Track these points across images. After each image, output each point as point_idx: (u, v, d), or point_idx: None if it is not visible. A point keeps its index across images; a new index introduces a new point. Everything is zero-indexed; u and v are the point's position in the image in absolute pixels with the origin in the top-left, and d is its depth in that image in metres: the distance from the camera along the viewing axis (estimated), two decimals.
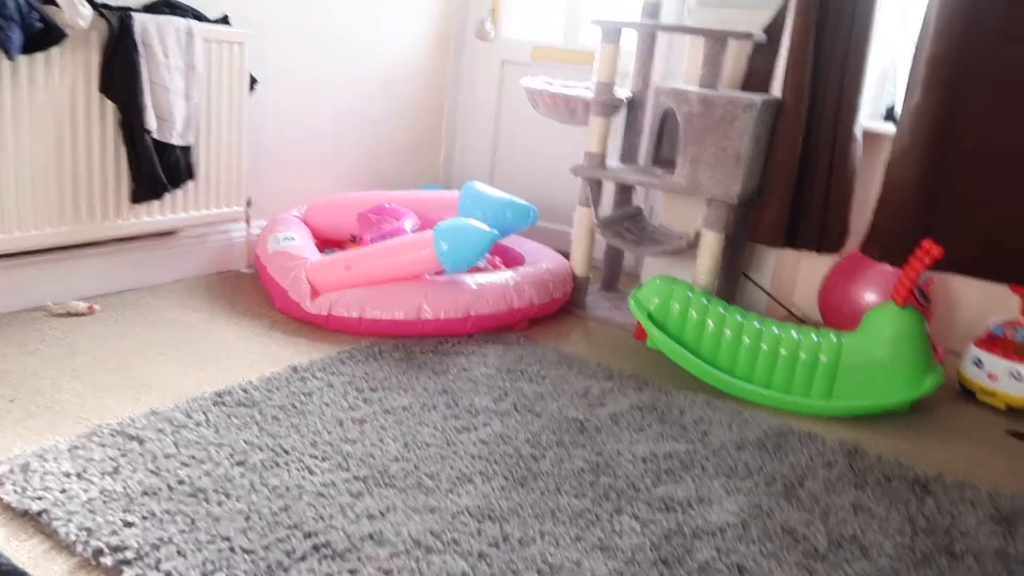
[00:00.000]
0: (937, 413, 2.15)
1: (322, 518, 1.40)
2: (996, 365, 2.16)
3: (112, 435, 1.60)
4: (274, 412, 1.76)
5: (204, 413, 1.73)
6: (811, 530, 1.52)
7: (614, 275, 2.96)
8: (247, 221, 2.72)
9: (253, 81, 2.65)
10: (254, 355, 2.10)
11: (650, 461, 1.70)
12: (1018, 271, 2.30)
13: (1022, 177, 2.25)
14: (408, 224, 2.57)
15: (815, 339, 2.12)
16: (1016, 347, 2.16)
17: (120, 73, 2.22)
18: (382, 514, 1.43)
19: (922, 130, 2.34)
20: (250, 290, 2.59)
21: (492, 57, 3.52)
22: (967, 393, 2.26)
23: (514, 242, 2.84)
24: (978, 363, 2.20)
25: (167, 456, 1.55)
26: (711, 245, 2.41)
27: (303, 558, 1.29)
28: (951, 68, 2.28)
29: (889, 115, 2.78)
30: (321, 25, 2.92)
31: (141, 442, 1.59)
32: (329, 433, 1.70)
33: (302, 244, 2.50)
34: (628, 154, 2.83)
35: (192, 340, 2.15)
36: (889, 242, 2.43)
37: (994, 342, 2.20)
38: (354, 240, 2.73)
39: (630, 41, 2.89)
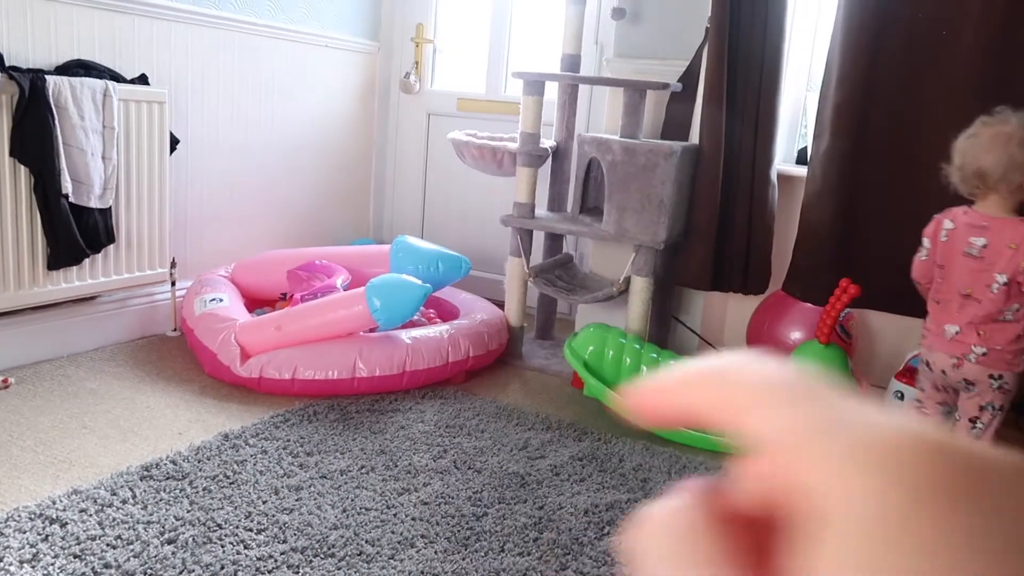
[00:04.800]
0: None
1: None
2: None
3: (31, 518, 1.52)
4: (205, 484, 1.70)
5: (130, 489, 1.66)
6: None
7: (549, 322, 2.98)
8: (172, 283, 2.65)
9: (175, 140, 2.60)
10: (183, 423, 2.03)
11: (592, 513, 1.70)
12: None
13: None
14: (339, 281, 2.54)
15: None
16: None
17: (32, 136, 2.15)
18: None
19: (832, 173, 2.46)
20: (177, 354, 2.51)
21: (418, 110, 3.55)
22: None
23: (448, 294, 2.84)
24: (899, 396, 2.29)
25: (91, 538, 1.48)
26: (641, 291, 2.46)
27: None
28: (855, 113, 2.40)
29: (801, 158, 2.90)
30: (243, 83, 2.90)
31: (63, 524, 1.51)
32: (264, 503, 1.65)
33: (230, 305, 2.44)
34: (555, 202, 2.88)
35: (116, 411, 2.07)
36: (809, 281, 2.52)
37: (913, 375, 2.29)
38: (284, 298, 2.68)
39: (552, 91, 2.95)
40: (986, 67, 2.23)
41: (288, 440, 1.94)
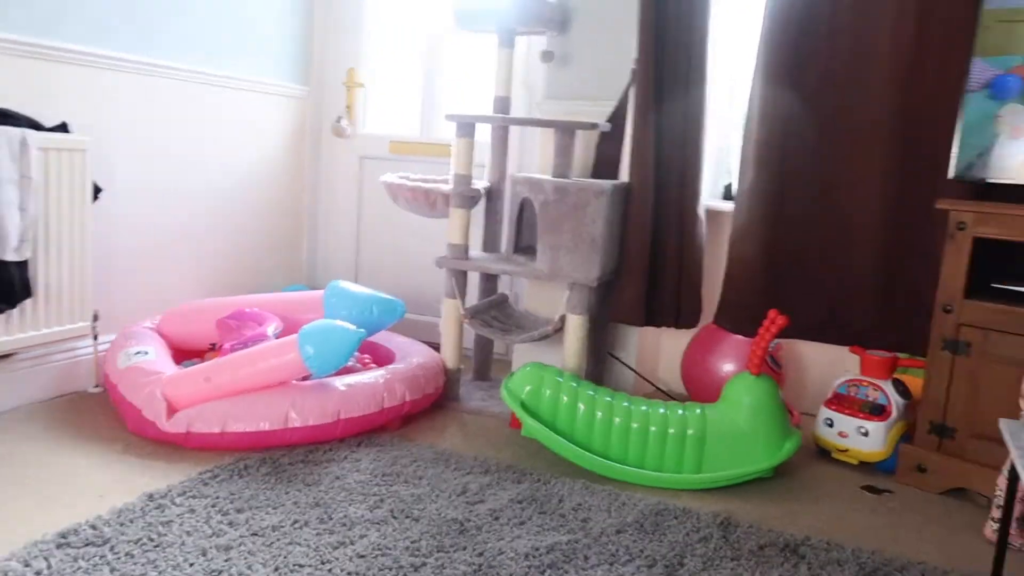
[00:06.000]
0: (799, 475, 2.26)
1: None
2: (845, 423, 2.30)
3: None
4: (128, 548, 1.62)
5: (46, 559, 1.57)
6: None
7: (485, 363, 2.96)
8: (94, 337, 2.55)
9: (97, 189, 2.53)
10: (104, 485, 1.94)
11: (533, 557, 1.68)
12: (854, 333, 2.48)
13: (847, 248, 2.46)
14: (271, 329, 2.49)
15: (681, 413, 2.19)
16: (860, 404, 2.31)
17: None
18: None
19: (757, 208, 2.52)
20: (99, 412, 2.41)
21: (350, 153, 3.53)
22: (823, 452, 2.39)
23: (383, 338, 2.80)
24: (829, 423, 2.34)
25: None
26: (576, 328, 2.47)
27: None
28: (776, 149, 2.49)
29: (727, 194, 2.98)
30: (171, 129, 2.85)
31: None
32: (191, 565, 1.58)
33: (156, 358, 2.36)
34: (490, 243, 2.89)
35: (30, 475, 1.97)
36: (739, 314, 2.57)
37: (841, 401, 2.35)
38: (214, 349, 2.61)
39: (484, 133, 2.98)
40: (896, 103, 2.34)
41: (217, 497, 1.87)
